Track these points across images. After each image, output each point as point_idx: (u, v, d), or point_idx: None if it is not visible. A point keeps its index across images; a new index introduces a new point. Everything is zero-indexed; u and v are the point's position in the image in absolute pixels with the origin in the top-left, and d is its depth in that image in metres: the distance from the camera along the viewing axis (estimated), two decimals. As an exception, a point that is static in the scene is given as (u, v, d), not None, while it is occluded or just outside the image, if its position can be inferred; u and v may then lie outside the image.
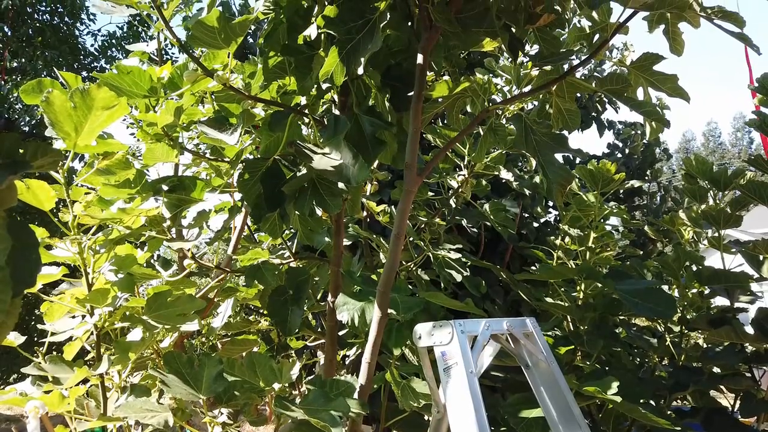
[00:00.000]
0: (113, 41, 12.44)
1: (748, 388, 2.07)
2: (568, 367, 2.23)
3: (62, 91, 1.31)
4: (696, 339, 2.78)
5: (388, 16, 1.47)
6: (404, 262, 2.72)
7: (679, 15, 1.53)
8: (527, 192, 3.43)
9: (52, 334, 1.48)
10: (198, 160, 2.02)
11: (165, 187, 1.80)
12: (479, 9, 1.62)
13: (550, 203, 4.19)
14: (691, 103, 1.71)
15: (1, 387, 1.65)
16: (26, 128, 10.08)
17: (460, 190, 2.81)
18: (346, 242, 2.68)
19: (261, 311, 3.18)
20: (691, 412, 2.11)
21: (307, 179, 1.68)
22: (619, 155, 6.86)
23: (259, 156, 1.77)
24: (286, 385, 1.49)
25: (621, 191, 6.19)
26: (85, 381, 1.48)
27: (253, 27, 4.53)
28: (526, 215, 4.13)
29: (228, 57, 1.67)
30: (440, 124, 3.09)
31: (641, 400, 1.75)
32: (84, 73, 11.83)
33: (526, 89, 2.33)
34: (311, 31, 1.59)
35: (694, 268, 2.27)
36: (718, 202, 2.32)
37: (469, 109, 2.23)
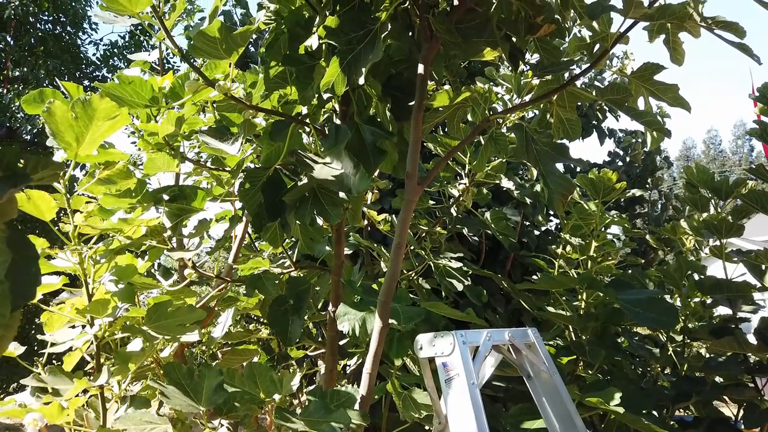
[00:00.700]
0: (115, 50, 12.51)
1: (751, 399, 2.06)
2: (570, 376, 2.22)
3: (64, 102, 1.31)
4: (698, 348, 2.77)
5: (389, 26, 1.47)
6: (405, 271, 2.71)
7: (679, 25, 1.53)
8: (528, 201, 3.43)
9: (52, 344, 1.48)
10: (199, 169, 2.02)
11: (166, 197, 1.80)
12: (480, 19, 1.63)
13: (552, 211, 4.19)
14: (691, 111, 1.71)
15: (1, 397, 1.64)
16: (27, 137, 10.11)
17: (461, 198, 2.81)
18: (347, 251, 2.67)
19: (261, 320, 3.17)
20: (694, 423, 2.10)
21: (308, 189, 1.68)
22: (620, 163, 6.86)
23: (260, 165, 1.77)
24: (287, 395, 1.48)
25: (622, 200, 6.19)
26: (84, 391, 1.48)
27: (255, 36, 4.55)
28: (527, 223, 4.12)
29: (229, 67, 1.67)
30: (441, 133, 3.09)
31: (644, 411, 1.74)
32: (86, 82, 11.89)
33: (527, 97, 2.34)
34: (312, 42, 1.59)
35: (696, 277, 2.26)
36: (719, 211, 2.32)
37: (470, 117, 2.23)
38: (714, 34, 1.49)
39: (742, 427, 2.13)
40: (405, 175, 1.67)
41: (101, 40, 16.95)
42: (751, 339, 2.03)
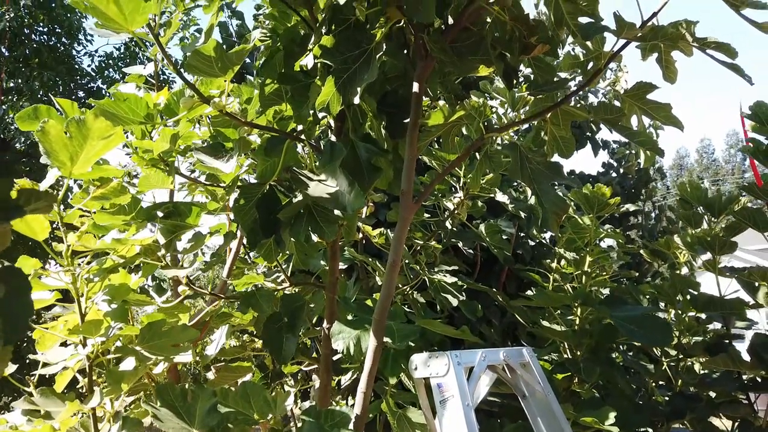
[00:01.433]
0: (110, 62, 12.53)
1: (745, 416, 2.06)
2: (565, 392, 2.21)
3: (58, 120, 1.31)
4: (693, 362, 2.77)
5: (384, 46, 1.48)
6: (401, 285, 2.71)
7: (672, 45, 1.54)
8: (523, 215, 3.44)
9: (44, 365, 1.46)
10: (194, 186, 2.02)
11: (160, 214, 1.79)
12: (474, 38, 1.64)
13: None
14: (685, 121, 1.72)
15: (-9, 415, 1.63)
16: (21, 147, 10.07)
17: (456, 211, 2.81)
18: (342, 266, 2.67)
19: (255, 332, 3.15)
20: (690, 439, 2.10)
21: (303, 206, 1.67)
22: (614, 174, 6.89)
23: (254, 181, 1.77)
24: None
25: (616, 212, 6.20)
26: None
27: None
28: (522, 234, 4.12)
29: (224, 83, 1.67)
30: (436, 147, 3.10)
31: (639, 429, 1.74)
32: (81, 93, 11.87)
33: (522, 111, 2.35)
34: (308, 61, 1.60)
35: (691, 293, 2.27)
36: (712, 227, 2.33)
37: (464, 131, 2.24)
38: (706, 54, 1.51)
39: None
40: (400, 193, 1.67)
41: (96, 51, 16.96)
42: (746, 356, 2.03)
